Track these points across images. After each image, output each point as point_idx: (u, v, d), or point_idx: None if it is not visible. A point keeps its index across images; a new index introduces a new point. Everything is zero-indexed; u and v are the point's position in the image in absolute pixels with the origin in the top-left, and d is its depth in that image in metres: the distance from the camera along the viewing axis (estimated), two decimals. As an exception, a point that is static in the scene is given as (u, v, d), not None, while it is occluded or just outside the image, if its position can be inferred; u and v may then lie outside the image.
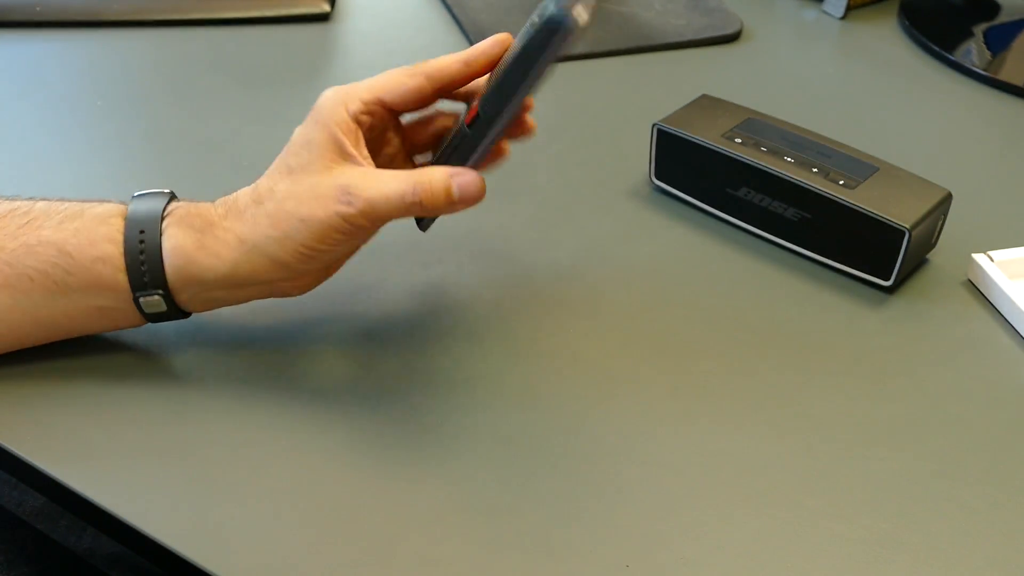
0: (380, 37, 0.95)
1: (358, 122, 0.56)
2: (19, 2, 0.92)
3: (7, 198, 0.58)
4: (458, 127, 0.57)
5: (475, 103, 0.56)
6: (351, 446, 0.57)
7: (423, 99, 0.58)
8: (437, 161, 0.59)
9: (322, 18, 0.96)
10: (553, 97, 0.87)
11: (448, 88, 0.58)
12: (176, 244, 0.56)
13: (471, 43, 0.92)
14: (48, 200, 0.58)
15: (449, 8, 0.98)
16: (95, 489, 0.54)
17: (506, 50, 0.57)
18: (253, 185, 0.58)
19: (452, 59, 0.57)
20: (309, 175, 0.55)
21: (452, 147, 0.57)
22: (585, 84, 0.89)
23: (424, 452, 0.56)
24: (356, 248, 0.59)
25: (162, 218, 0.56)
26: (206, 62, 0.89)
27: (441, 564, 0.51)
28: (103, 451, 0.56)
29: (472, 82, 0.59)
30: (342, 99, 0.56)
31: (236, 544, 0.52)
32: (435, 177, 0.54)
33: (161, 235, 0.56)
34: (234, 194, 0.58)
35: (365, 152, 0.56)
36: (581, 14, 0.50)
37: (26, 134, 0.79)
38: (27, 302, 0.56)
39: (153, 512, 0.53)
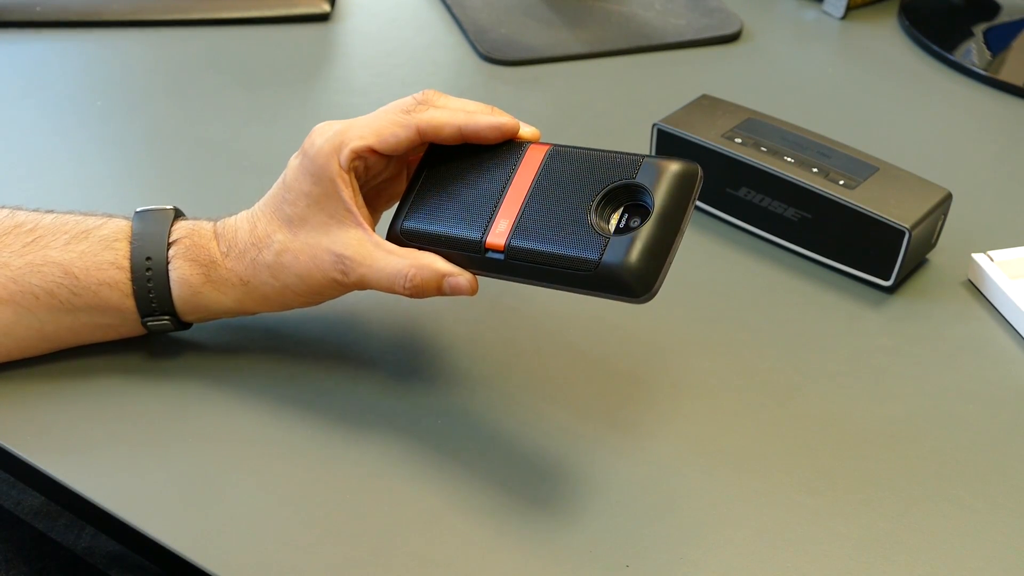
0: (380, 37, 0.95)
1: (353, 168, 0.54)
2: (19, 2, 0.92)
3: (11, 209, 0.58)
4: (476, 242, 0.53)
5: (505, 228, 0.52)
6: (351, 446, 0.56)
7: (412, 148, 0.56)
8: (443, 245, 0.54)
9: (322, 18, 0.96)
10: (553, 97, 0.87)
11: (438, 143, 0.56)
12: (182, 276, 0.56)
13: (471, 43, 0.93)
14: (54, 214, 0.58)
15: (449, 8, 0.98)
16: (94, 488, 0.54)
17: (503, 135, 0.54)
18: (251, 222, 0.57)
19: (448, 123, 0.54)
20: (306, 232, 0.55)
21: (462, 247, 0.53)
22: (585, 84, 0.89)
23: (424, 452, 0.56)
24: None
25: (168, 245, 0.56)
26: (206, 62, 0.89)
27: (441, 564, 0.51)
28: (102, 450, 0.56)
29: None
30: (334, 149, 0.54)
31: (235, 544, 0.52)
32: (429, 274, 0.53)
33: (167, 264, 0.56)
34: (233, 225, 0.57)
35: (360, 201, 0.55)
36: (655, 292, 0.49)
37: (26, 134, 0.79)
38: (32, 318, 0.56)
39: (152, 511, 0.53)
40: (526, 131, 0.56)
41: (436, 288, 0.54)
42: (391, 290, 0.54)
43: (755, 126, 0.72)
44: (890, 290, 0.69)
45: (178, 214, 0.58)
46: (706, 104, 0.75)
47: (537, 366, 0.62)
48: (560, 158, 0.53)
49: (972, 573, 0.52)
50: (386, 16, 0.98)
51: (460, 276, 0.53)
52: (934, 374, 0.63)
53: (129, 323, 0.58)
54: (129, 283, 0.56)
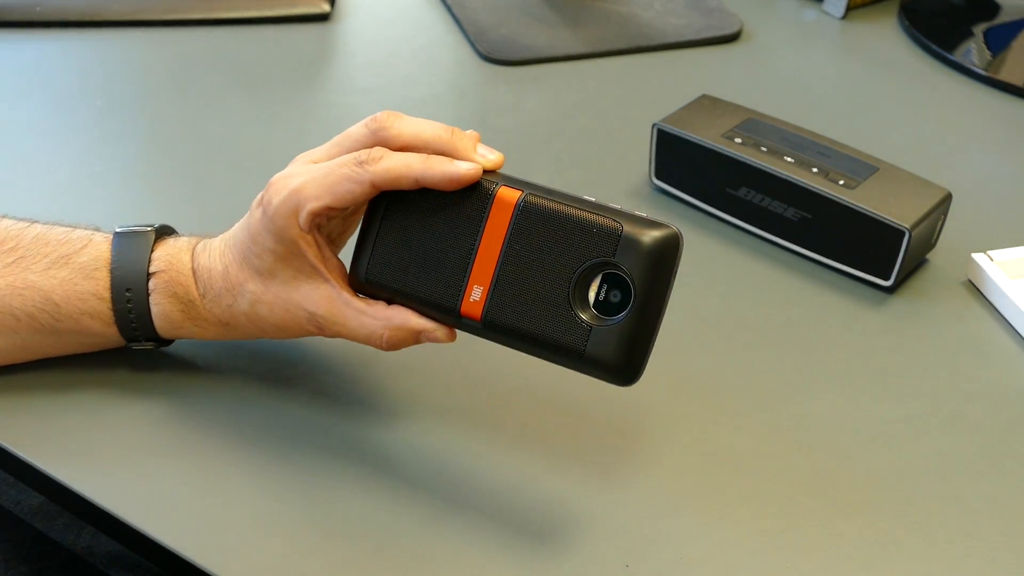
0: (380, 37, 0.95)
1: (315, 225, 0.53)
2: (19, 2, 0.92)
3: None
4: (451, 308, 0.52)
5: (480, 296, 0.51)
6: (351, 446, 0.56)
7: (368, 200, 0.54)
8: (414, 301, 0.53)
9: (322, 18, 0.96)
10: (553, 97, 0.87)
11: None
12: (163, 311, 0.56)
13: (471, 43, 0.93)
14: (37, 227, 0.57)
15: (449, 8, 0.98)
16: (94, 488, 0.54)
17: (460, 186, 0.51)
18: (223, 262, 0.55)
19: (404, 176, 0.51)
20: (276, 284, 0.54)
21: (435, 308, 0.52)
22: (585, 84, 0.89)
23: (424, 452, 0.56)
24: None
25: (147, 276, 0.55)
26: (206, 62, 0.89)
27: (440, 564, 0.51)
28: (102, 450, 0.56)
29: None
30: (292, 211, 0.52)
31: (235, 544, 0.52)
32: (405, 333, 0.53)
33: (148, 296, 0.55)
34: (207, 265, 0.56)
35: (327, 253, 0.54)
36: (640, 376, 0.49)
37: (26, 134, 0.79)
38: (14, 336, 0.56)
39: (152, 511, 0.53)
40: (490, 160, 0.52)
41: (413, 342, 0.54)
42: (368, 344, 0.54)
43: (755, 126, 0.72)
44: (890, 290, 0.69)
45: (159, 234, 0.57)
46: (706, 104, 0.75)
47: (535, 367, 0.62)
48: (531, 216, 0.50)
49: (972, 573, 0.52)
50: (386, 16, 0.98)
51: (436, 332, 0.53)
52: (934, 374, 0.63)
53: (113, 342, 0.58)
54: (110, 313, 0.56)
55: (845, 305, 0.68)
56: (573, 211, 0.50)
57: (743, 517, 0.54)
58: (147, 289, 0.55)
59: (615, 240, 0.48)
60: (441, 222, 0.52)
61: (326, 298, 0.54)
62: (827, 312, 0.67)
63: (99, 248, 0.56)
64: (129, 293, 0.55)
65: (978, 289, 0.69)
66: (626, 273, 0.48)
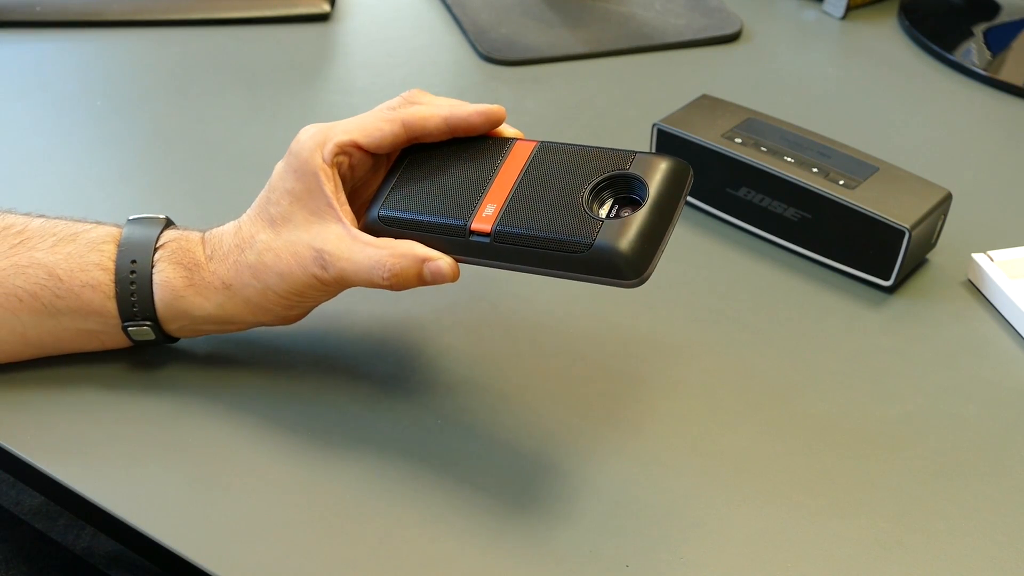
0: (380, 37, 0.95)
1: (336, 164, 0.54)
2: (19, 2, 0.92)
3: (2, 212, 0.58)
4: (460, 227, 0.53)
5: (492, 212, 0.52)
6: (351, 446, 0.56)
7: (398, 145, 0.56)
8: (424, 230, 0.54)
9: (322, 18, 0.96)
10: (553, 97, 0.87)
11: (424, 139, 0.56)
12: (165, 279, 0.56)
13: (471, 43, 0.93)
14: (45, 218, 0.58)
15: (449, 8, 0.98)
16: (94, 488, 0.54)
17: (489, 122, 0.55)
18: (237, 225, 0.57)
19: (433, 115, 0.55)
20: (288, 229, 0.55)
21: (444, 231, 0.53)
22: (585, 84, 0.89)
23: (424, 452, 0.56)
24: (337, 294, 0.57)
25: (154, 249, 0.56)
26: (206, 62, 0.89)
27: (441, 564, 0.51)
28: (102, 450, 0.56)
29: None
30: (318, 143, 0.54)
31: (235, 544, 0.52)
32: (409, 261, 0.52)
33: (152, 267, 0.56)
34: (219, 232, 0.57)
35: (343, 198, 0.55)
36: (646, 278, 0.49)
37: (26, 134, 0.79)
38: (15, 321, 0.56)
39: (152, 511, 0.53)
40: (510, 131, 0.56)
41: (416, 275, 0.53)
42: (371, 283, 0.53)
43: (755, 126, 0.72)
44: (890, 290, 0.69)
45: (170, 223, 0.58)
46: (706, 104, 0.75)
47: (536, 367, 0.62)
48: (550, 151, 0.53)
49: (972, 573, 0.52)
50: (386, 16, 0.98)
51: (440, 260, 0.53)
52: (934, 374, 0.63)
53: (111, 329, 0.57)
54: (112, 284, 0.55)
55: (845, 305, 0.68)
56: (591, 147, 0.53)
57: (743, 517, 0.54)
58: (152, 261, 0.56)
59: (630, 158, 0.51)
60: (459, 164, 0.55)
61: (335, 235, 0.54)
62: (827, 312, 0.67)
63: (109, 228, 0.57)
64: (134, 264, 0.56)
65: (978, 289, 0.69)
66: (639, 180, 0.50)
